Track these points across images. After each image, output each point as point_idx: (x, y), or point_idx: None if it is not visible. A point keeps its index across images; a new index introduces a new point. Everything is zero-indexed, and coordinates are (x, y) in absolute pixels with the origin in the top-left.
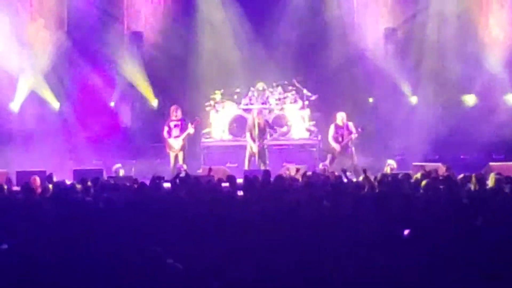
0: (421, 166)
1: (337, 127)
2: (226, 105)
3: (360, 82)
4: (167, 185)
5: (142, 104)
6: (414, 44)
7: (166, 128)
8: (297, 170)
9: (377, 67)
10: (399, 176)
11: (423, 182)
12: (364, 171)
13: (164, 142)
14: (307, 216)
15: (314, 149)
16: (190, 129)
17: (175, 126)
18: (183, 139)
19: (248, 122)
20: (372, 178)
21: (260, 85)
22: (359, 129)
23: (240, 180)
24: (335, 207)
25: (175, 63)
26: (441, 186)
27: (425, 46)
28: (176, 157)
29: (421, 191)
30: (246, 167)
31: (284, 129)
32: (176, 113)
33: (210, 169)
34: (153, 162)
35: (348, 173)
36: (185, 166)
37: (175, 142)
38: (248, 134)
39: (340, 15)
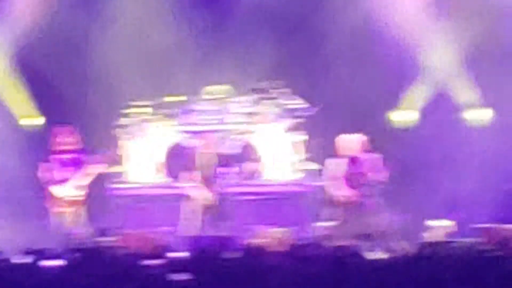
0: (493, 229)
1: (350, 161)
2: (159, 126)
3: (387, 82)
4: (50, 264)
5: (6, 123)
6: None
7: (47, 166)
8: (278, 240)
9: (414, 53)
10: (456, 246)
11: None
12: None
13: (45, 191)
14: None
15: (309, 200)
16: (97, 168)
17: (65, 163)
18: (82, 186)
19: (194, 155)
20: (408, 249)
21: (216, 91)
22: (387, 168)
23: (180, 255)
24: None
25: (66, 49)
26: None
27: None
28: (69, 215)
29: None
30: (190, 232)
31: (257, 166)
32: (66, 139)
33: (127, 237)
34: (26, 226)
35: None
36: (89, 230)
37: (64, 191)
38: (192, 175)
39: None
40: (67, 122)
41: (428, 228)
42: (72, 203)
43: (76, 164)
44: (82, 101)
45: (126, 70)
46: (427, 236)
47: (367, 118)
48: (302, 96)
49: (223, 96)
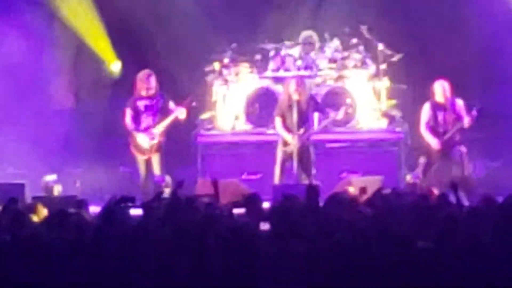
0: None
1: (436, 106)
2: (242, 72)
3: (475, 29)
4: (137, 212)
5: (95, 71)
6: None
7: (129, 113)
8: (363, 189)
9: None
10: None
11: None
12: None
13: (127, 137)
14: (386, 271)
15: (397, 148)
16: (180, 112)
17: (147, 108)
18: (162, 132)
19: (280, 101)
20: (495, 198)
21: (303, 37)
22: (474, 111)
23: (267, 204)
24: (440, 254)
25: None
26: None
27: None
28: (149, 162)
29: None
30: (276, 180)
31: (342, 113)
32: (147, 85)
33: (214, 184)
34: (114, 172)
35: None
36: (169, 179)
37: (146, 138)
38: (279, 122)
39: None
40: (152, 68)
41: None
42: (154, 150)
43: (158, 109)
44: (170, 45)
45: (213, 13)
46: None
47: (458, 64)
48: (390, 43)
49: (311, 40)
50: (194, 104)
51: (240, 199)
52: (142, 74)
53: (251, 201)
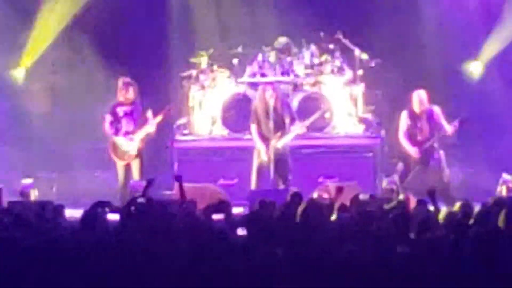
0: None
1: (414, 115)
2: (219, 77)
3: (453, 37)
4: (114, 217)
5: (70, 76)
6: None
7: (108, 118)
8: (340, 189)
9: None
10: None
11: None
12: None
13: (107, 143)
14: (363, 278)
15: (373, 153)
16: (154, 121)
17: (126, 115)
18: (142, 139)
19: (255, 107)
20: (474, 207)
21: (280, 42)
22: (456, 123)
23: (242, 210)
24: (415, 261)
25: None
26: None
27: None
28: (128, 168)
29: None
30: (253, 186)
31: (317, 115)
32: (126, 92)
33: (189, 190)
34: (89, 176)
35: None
36: (145, 184)
37: (127, 143)
38: (254, 128)
39: None
40: (129, 74)
41: (495, 183)
42: (134, 155)
43: (136, 116)
44: (146, 50)
45: (190, 18)
46: (495, 191)
47: (436, 72)
48: (367, 49)
49: (287, 46)
50: (171, 110)
51: (216, 204)
52: (121, 81)
53: (227, 207)
